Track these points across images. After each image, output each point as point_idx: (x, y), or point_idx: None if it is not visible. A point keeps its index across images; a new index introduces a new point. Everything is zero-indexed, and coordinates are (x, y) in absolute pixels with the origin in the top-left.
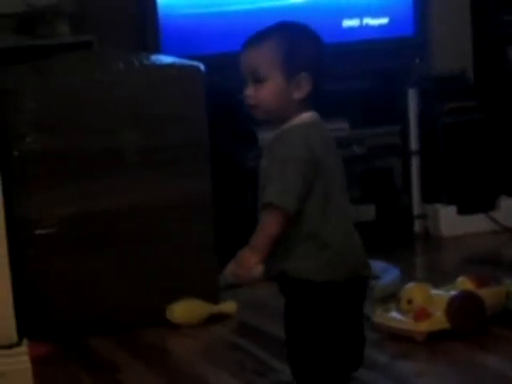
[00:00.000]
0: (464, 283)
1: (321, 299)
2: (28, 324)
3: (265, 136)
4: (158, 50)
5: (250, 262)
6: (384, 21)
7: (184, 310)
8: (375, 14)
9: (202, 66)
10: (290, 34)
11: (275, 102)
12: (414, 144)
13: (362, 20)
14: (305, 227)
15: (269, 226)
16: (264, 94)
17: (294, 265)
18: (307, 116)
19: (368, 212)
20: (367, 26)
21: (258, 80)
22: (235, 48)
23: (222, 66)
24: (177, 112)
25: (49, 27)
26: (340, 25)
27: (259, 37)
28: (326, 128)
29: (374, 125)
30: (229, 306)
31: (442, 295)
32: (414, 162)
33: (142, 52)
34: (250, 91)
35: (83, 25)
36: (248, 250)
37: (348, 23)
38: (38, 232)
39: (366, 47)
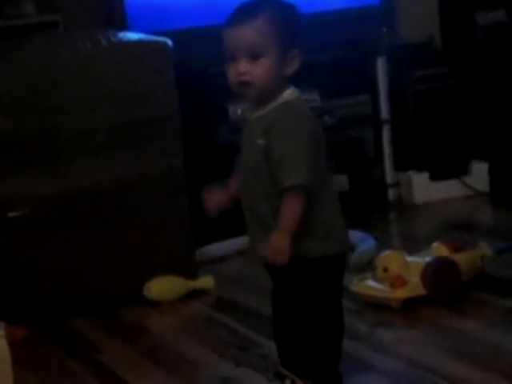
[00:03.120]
0: (439, 249)
1: (313, 275)
2: (5, 307)
3: (236, 110)
4: (124, 27)
5: (285, 246)
6: None
7: (161, 287)
8: None
9: (169, 42)
10: (281, 8)
11: (271, 78)
12: (384, 113)
13: None
14: (309, 204)
15: (296, 208)
16: (260, 70)
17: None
18: (294, 91)
19: (341, 182)
20: None
21: (255, 56)
22: (203, 23)
23: (190, 41)
24: (146, 89)
25: (15, 8)
26: None
27: (251, 10)
28: None
29: (344, 95)
30: (206, 282)
31: (417, 262)
32: (385, 131)
33: (108, 30)
34: (244, 68)
35: (49, 5)
36: (280, 234)
37: None
38: (10, 215)
39: (333, 17)
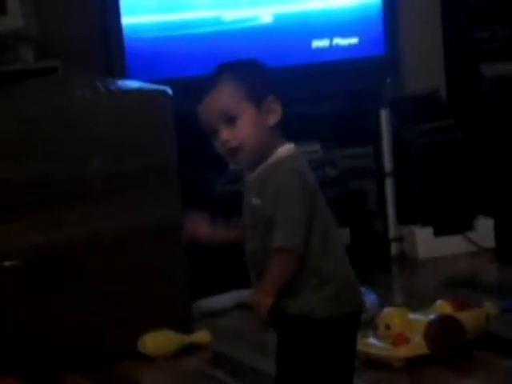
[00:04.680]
0: (442, 307)
1: (319, 336)
2: None
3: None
4: (123, 75)
5: (265, 304)
6: (354, 40)
7: (156, 342)
8: (345, 34)
9: (169, 90)
10: (240, 68)
11: (255, 134)
12: (387, 165)
13: (331, 40)
14: (308, 262)
15: (281, 270)
16: (242, 130)
17: (294, 302)
18: (289, 148)
19: (343, 236)
20: (337, 47)
21: (231, 119)
22: (202, 71)
23: (190, 89)
24: (145, 137)
25: (12, 53)
26: (309, 46)
27: (212, 81)
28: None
29: (347, 147)
30: (202, 336)
31: (420, 319)
32: (389, 184)
33: (107, 77)
34: (226, 135)
35: (47, 50)
36: (262, 292)
37: (317, 44)
38: (2, 264)
39: (337, 68)
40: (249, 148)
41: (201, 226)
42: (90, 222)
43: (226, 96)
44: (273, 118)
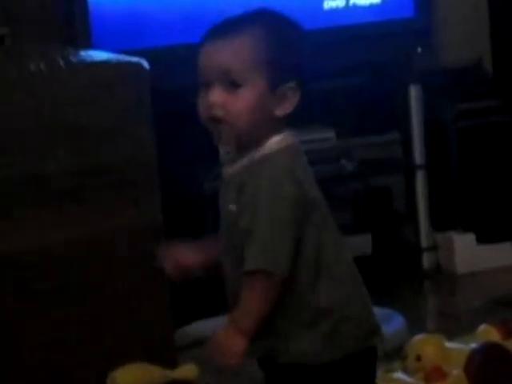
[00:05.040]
0: (487, 333)
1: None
2: None
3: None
4: (88, 45)
5: (235, 346)
6: (376, 0)
7: (131, 378)
8: None
9: (145, 63)
10: (276, 26)
11: (251, 116)
12: (418, 156)
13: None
14: (296, 290)
15: (258, 300)
16: (239, 103)
17: (282, 345)
18: (287, 139)
19: (363, 244)
20: (355, 8)
21: (232, 84)
22: (186, 38)
23: (170, 63)
24: (116, 123)
25: None
26: (321, 6)
27: (234, 25)
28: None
29: (367, 133)
30: (188, 371)
31: (459, 349)
32: (420, 179)
33: (67, 47)
34: (217, 97)
35: None
36: (231, 330)
37: (331, 4)
38: None
39: (354, 34)
40: (236, 127)
41: (185, 255)
42: (47, 229)
43: (240, 53)
44: (283, 109)
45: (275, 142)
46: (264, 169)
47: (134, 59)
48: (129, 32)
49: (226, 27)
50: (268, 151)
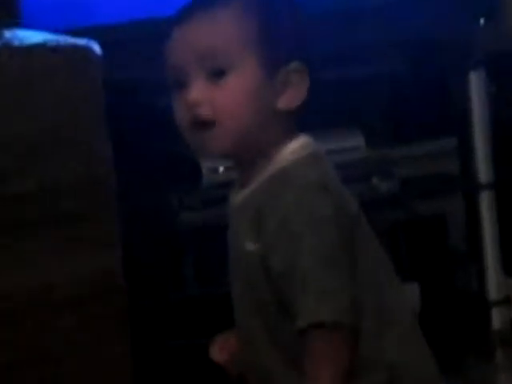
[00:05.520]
0: None
1: None
2: None
3: (215, 167)
4: (15, 23)
5: None
6: None
7: None
8: None
9: (96, 47)
10: None
11: (250, 108)
12: (483, 172)
13: None
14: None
15: (335, 360)
16: (229, 93)
17: None
18: (306, 145)
19: (408, 294)
20: None
21: (217, 72)
22: (153, 13)
23: (130, 45)
24: (57, 130)
25: None
26: None
27: (212, 1)
28: None
29: (410, 140)
30: None
31: None
32: (485, 204)
33: None
34: (199, 92)
35: None
36: None
37: None
38: None
39: (391, 7)
40: (232, 126)
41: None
42: None
43: (218, 29)
44: (288, 99)
45: (291, 150)
46: (286, 187)
47: (81, 41)
48: (72, 5)
49: (202, 3)
50: (285, 163)
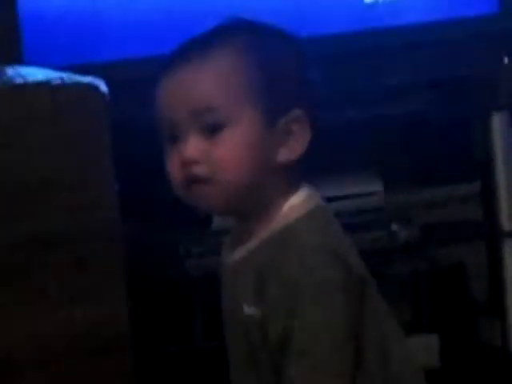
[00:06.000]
0: None
1: None
2: None
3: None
4: (17, 59)
5: None
6: None
7: None
8: None
9: (102, 85)
10: (260, 36)
11: (248, 163)
12: (506, 218)
13: None
14: None
15: None
16: (226, 151)
17: None
18: (309, 200)
19: (427, 351)
20: (408, 2)
21: (214, 127)
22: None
23: (128, 83)
24: (60, 173)
25: None
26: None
27: (206, 44)
28: None
29: (430, 184)
30: None
31: None
32: (509, 253)
33: None
34: (194, 149)
35: None
36: None
37: None
38: None
39: (407, 40)
40: (229, 183)
41: None
42: None
43: (214, 81)
44: (289, 152)
45: (294, 205)
46: (290, 249)
47: (86, 79)
48: (77, 40)
49: (195, 48)
50: (288, 221)
